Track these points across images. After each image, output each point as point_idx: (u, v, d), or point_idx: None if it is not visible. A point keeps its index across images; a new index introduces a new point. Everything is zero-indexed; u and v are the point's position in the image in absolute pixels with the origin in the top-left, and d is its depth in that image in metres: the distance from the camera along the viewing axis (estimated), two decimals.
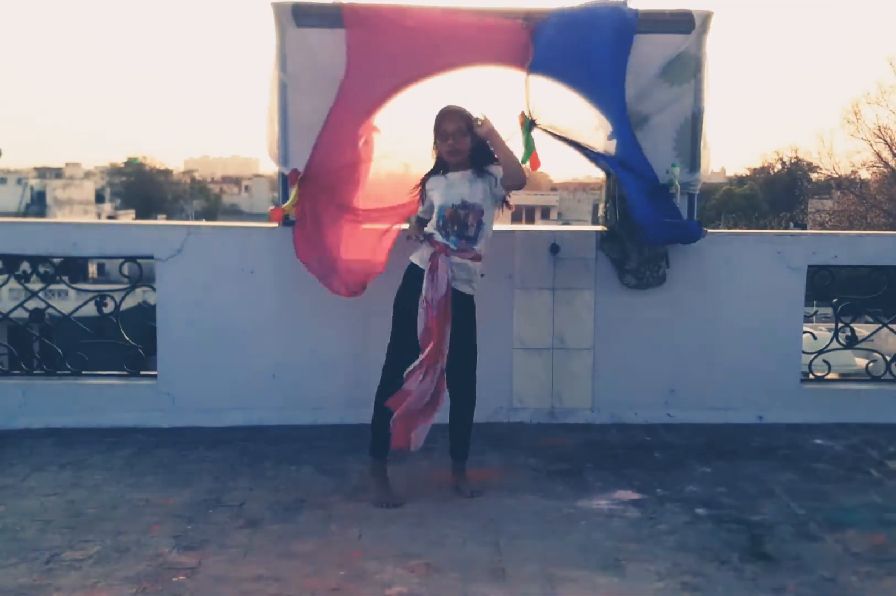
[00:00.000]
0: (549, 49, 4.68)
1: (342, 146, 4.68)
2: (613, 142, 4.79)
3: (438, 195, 3.99)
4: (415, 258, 4.00)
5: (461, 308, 3.94)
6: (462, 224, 3.92)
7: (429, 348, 3.83)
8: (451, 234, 3.91)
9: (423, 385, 3.85)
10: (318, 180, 4.69)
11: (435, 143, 4.00)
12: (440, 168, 4.05)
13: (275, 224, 4.93)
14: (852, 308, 5.63)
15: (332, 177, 4.70)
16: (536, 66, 4.68)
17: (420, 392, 3.85)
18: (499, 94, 4.77)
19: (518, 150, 4.65)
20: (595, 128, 4.87)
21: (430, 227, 3.99)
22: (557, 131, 4.72)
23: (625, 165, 4.76)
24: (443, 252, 3.89)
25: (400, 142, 4.76)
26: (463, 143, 3.92)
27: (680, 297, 5.13)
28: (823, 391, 5.38)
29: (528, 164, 4.71)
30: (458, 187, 3.95)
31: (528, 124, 4.67)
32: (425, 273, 3.88)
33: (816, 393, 5.34)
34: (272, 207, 4.86)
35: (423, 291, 3.86)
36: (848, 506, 3.98)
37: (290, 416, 5.06)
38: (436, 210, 3.98)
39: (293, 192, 4.72)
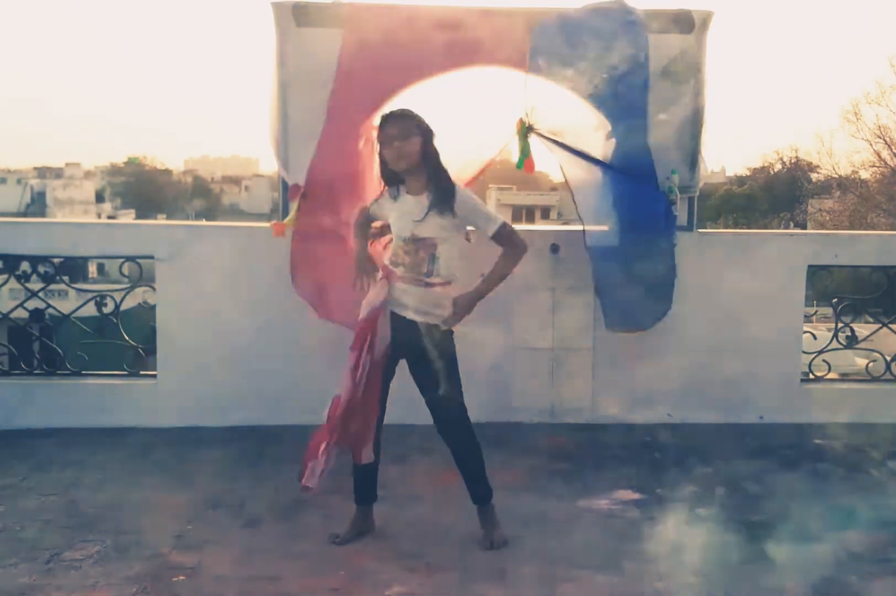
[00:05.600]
0: (552, 50, 4.68)
1: (343, 150, 4.67)
2: (613, 141, 4.80)
3: (390, 227, 3.61)
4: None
5: (415, 339, 3.50)
6: (413, 260, 3.48)
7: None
8: (402, 266, 3.51)
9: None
10: (319, 191, 4.68)
11: (380, 153, 3.51)
12: (391, 182, 3.59)
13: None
14: (852, 308, 5.63)
15: (334, 186, 4.69)
16: (536, 67, 4.68)
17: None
18: (498, 95, 4.77)
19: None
20: (595, 128, 4.87)
21: (384, 258, 3.62)
22: (555, 136, 4.72)
23: (622, 173, 4.78)
24: (386, 277, 3.53)
25: None
26: (412, 144, 3.43)
27: (680, 297, 5.12)
28: (823, 391, 5.38)
29: (522, 168, 4.73)
30: (409, 218, 3.49)
31: (525, 130, 4.67)
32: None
33: (816, 393, 5.33)
34: (273, 222, 4.85)
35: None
36: (848, 506, 3.99)
37: (290, 416, 5.05)
38: (392, 242, 3.59)
39: (293, 207, 4.72)
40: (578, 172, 4.88)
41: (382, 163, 3.55)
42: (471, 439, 3.61)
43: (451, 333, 3.56)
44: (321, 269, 4.77)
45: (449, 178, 3.53)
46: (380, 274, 3.60)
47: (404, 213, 3.52)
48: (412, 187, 3.53)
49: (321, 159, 4.69)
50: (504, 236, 3.51)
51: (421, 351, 3.49)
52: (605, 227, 4.90)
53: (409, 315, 3.51)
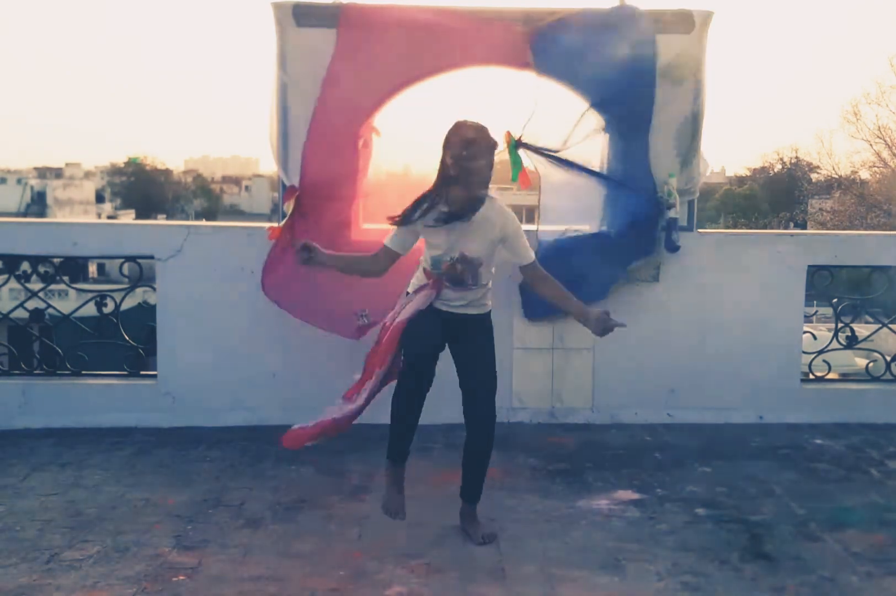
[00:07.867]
0: (554, 51, 4.68)
1: (339, 151, 4.66)
2: (607, 136, 4.81)
3: (434, 245, 3.51)
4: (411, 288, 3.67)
5: (469, 330, 3.67)
6: (457, 280, 3.53)
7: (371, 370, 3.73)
8: (448, 284, 3.56)
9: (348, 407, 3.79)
10: (313, 193, 4.67)
11: (460, 169, 3.35)
12: (436, 202, 3.44)
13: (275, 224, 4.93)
14: (852, 308, 5.63)
15: (329, 187, 4.67)
16: (542, 68, 4.68)
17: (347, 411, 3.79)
18: (497, 96, 4.77)
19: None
20: (594, 130, 4.87)
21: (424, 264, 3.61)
22: (547, 150, 4.72)
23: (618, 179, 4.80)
24: (435, 288, 3.55)
25: (401, 142, 4.76)
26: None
27: (680, 297, 5.12)
28: (823, 391, 5.38)
29: (517, 181, 4.73)
30: (459, 237, 3.45)
31: (514, 143, 4.66)
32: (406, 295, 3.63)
33: (816, 393, 5.34)
34: (270, 226, 4.84)
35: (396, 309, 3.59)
36: (848, 506, 3.99)
37: (290, 416, 5.02)
38: (429, 258, 3.55)
39: (288, 209, 4.71)
40: (557, 175, 4.87)
41: (456, 175, 3.37)
42: (491, 432, 3.74)
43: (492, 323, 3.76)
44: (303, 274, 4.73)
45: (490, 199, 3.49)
46: (418, 281, 3.63)
47: (453, 235, 3.45)
48: (461, 208, 3.41)
49: (309, 161, 4.67)
50: (533, 268, 3.61)
51: (473, 337, 3.69)
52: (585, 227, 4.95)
53: (460, 310, 3.62)
